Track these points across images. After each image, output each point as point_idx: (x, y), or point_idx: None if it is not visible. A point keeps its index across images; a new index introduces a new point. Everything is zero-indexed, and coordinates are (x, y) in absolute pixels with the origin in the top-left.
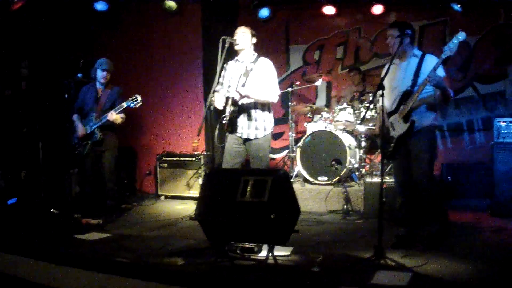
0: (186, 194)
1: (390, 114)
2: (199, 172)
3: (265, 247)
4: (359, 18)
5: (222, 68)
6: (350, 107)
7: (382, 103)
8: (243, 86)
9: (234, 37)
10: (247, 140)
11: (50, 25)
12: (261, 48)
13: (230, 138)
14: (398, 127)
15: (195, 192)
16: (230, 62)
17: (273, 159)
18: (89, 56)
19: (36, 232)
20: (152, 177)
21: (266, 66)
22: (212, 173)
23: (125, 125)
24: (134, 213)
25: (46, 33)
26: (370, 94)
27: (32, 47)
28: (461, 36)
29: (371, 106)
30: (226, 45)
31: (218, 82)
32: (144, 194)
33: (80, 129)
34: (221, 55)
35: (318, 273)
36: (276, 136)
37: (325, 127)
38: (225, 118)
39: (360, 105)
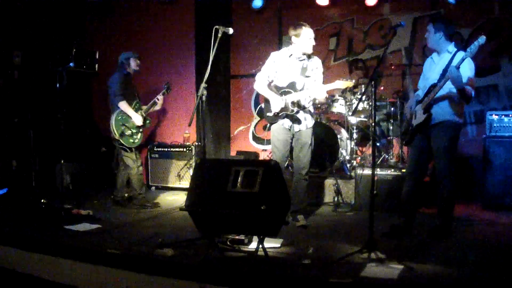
0: (177, 184)
1: (418, 103)
2: (190, 162)
3: (255, 239)
4: (352, 9)
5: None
6: (342, 98)
7: (374, 93)
8: (302, 88)
9: (302, 41)
10: (297, 131)
11: (43, 14)
12: (254, 38)
13: (278, 128)
14: (418, 117)
15: (186, 183)
16: (280, 54)
17: (264, 150)
18: (82, 44)
19: (26, 222)
20: (143, 167)
21: (319, 65)
22: (202, 164)
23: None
24: (124, 203)
25: (38, 22)
26: (362, 86)
27: (25, 36)
28: (482, 40)
29: (363, 97)
30: (219, 35)
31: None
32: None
33: (138, 118)
34: (214, 45)
35: (309, 265)
36: (267, 127)
37: (317, 119)
38: (273, 112)
39: (352, 97)
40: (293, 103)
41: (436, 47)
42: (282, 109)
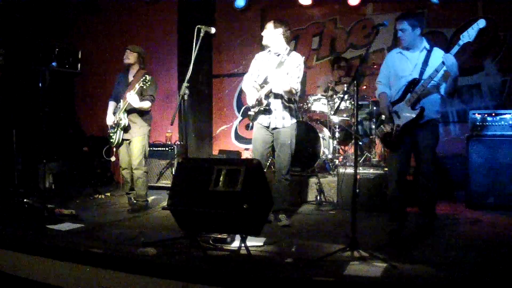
0: (159, 184)
1: (394, 103)
2: (172, 162)
3: (237, 238)
4: (335, 9)
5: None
6: (325, 97)
7: (356, 93)
8: (277, 79)
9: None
10: (274, 128)
11: (26, 12)
12: (237, 38)
13: (257, 127)
14: (405, 115)
15: (168, 182)
16: (262, 53)
17: (247, 149)
18: (65, 44)
19: (9, 222)
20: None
21: (296, 61)
22: (185, 163)
23: (102, 113)
24: (107, 203)
25: (21, 20)
26: (345, 85)
27: (8, 35)
28: (481, 23)
29: (346, 96)
30: (201, 34)
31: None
32: (117, 184)
33: (109, 116)
34: (196, 44)
35: (291, 264)
36: (249, 126)
37: (299, 118)
38: (252, 109)
39: (334, 96)
40: (266, 96)
41: (413, 44)
42: (256, 104)
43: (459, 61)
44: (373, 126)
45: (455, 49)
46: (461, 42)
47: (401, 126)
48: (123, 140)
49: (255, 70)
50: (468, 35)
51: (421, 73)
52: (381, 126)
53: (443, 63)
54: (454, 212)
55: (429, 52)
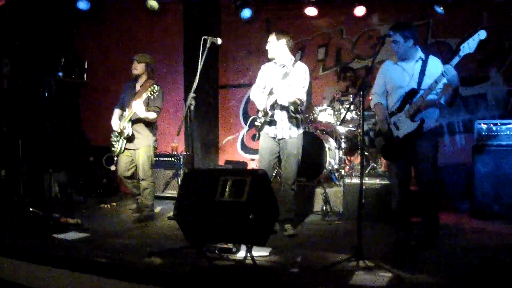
0: (166, 194)
1: (392, 114)
2: (179, 172)
3: (243, 248)
4: (341, 20)
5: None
6: (331, 108)
7: (363, 103)
8: (282, 90)
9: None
10: (281, 139)
11: (32, 23)
12: (243, 48)
13: (263, 137)
14: (405, 126)
15: (175, 192)
16: (267, 64)
17: (253, 159)
18: (71, 54)
19: (15, 231)
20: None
21: (302, 71)
22: (191, 173)
23: (108, 123)
24: (113, 212)
25: (28, 31)
26: (351, 95)
27: (14, 45)
28: (482, 34)
29: (352, 107)
30: (208, 45)
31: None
32: (123, 194)
33: (114, 121)
34: (202, 55)
35: (297, 274)
36: (256, 136)
37: (305, 128)
38: (258, 120)
39: (340, 106)
40: (271, 106)
41: (407, 56)
42: (262, 115)
43: (463, 71)
44: None
45: (456, 60)
46: (461, 54)
47: (401, 137)
48: (125, 149)
49: (262, 82)
50: (469, 46)
51: (419, 83)
52: (378, 137)
53: (442, 75)
54: (458, 222)
55: (424, 62)
